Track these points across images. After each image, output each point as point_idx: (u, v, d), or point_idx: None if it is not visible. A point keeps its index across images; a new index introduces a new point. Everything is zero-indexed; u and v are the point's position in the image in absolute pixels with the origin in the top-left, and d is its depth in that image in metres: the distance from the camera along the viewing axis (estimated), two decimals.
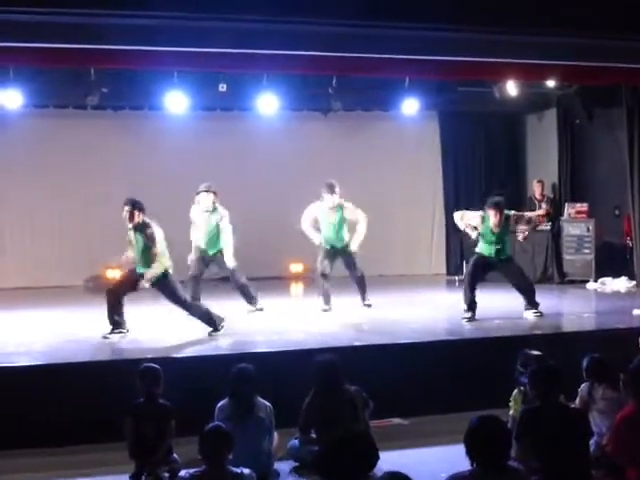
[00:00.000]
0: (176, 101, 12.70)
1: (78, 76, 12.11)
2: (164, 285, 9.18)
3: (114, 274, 13.63)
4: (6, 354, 8.25)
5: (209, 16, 8.60)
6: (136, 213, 9.19)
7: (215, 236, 10.81)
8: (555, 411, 5.65)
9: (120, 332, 9.23)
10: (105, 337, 9.11)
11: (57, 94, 13.14)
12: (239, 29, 8.95)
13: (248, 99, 13.19)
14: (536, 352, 6.96)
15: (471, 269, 10.67)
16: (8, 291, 13.82)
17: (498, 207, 10.34)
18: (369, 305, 11.27)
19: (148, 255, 9.13)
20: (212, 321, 9.26)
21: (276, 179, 14.86)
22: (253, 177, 14.76)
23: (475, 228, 10.50)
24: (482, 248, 10.55)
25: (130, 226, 9.25)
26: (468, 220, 10.56)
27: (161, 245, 9.13)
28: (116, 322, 9.25)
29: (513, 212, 10.72)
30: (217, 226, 10.79)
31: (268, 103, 12.99)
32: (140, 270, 9.22)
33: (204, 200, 10.81)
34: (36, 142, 14.25)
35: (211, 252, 10.88)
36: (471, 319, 10.12)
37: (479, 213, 10.55)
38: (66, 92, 12.93)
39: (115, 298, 9.32)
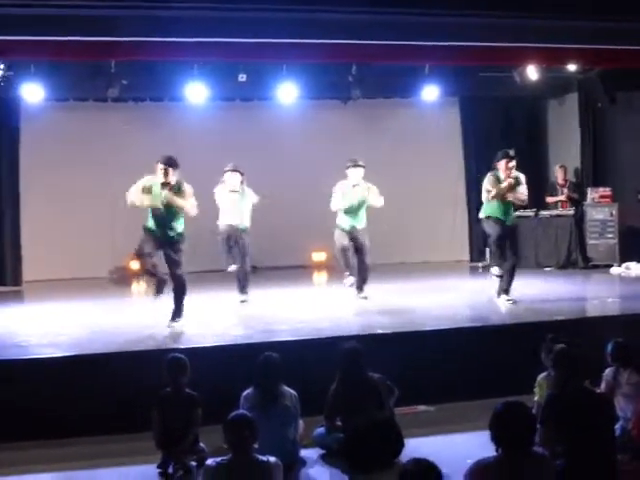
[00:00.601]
0: (196, 92, 12.75)
1: (98, 69, 12.18)
2: (179, 245, 9.19)
3: (138, 265, 13.70)
4: (33, 345, 8.34)
5: (228, 6, 8.63)
6: (171, 171, 9.19)
7: (243, 213, 10.77)
8: (580, 396, 5.63)
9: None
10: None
11: (78, 87, 13.21)
12: (258, 19, 8.96)
13: (268, 89, 13.22)
14: (561, 337, 6.95)
15: (496, 239, 10.30)
16: (34, 283, 13.95)
17: (509, 156, 10.25)
18: (365, 297, 10.93)
19: (177, 214, 9.14)
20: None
21: (296, 168, 14.86)
22: (273, 166, 14.76)
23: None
24: (494, 210, 10.28)
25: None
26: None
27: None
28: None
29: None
30: (244, 204, 10.76)
31: (288, 92, 13.02)
32: (175, 232, 9.19)
33: (231, 179, 10.79)
34: (57, 135, 14.33)
35: (241, 227, 10.79)
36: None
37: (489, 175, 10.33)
38: (87, 85, 12.98)
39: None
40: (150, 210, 9.19)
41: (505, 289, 10.25)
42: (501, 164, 10.29)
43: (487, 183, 10.30)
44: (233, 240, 10.78)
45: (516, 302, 10.12)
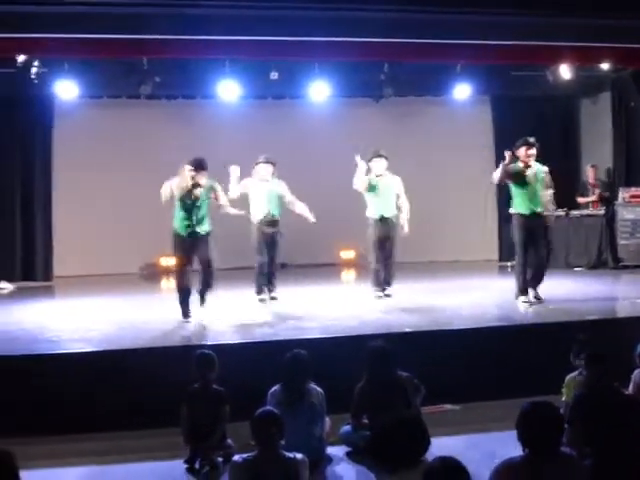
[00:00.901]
0: (228, 89, 12.80)
1: (131, 66, 12.27)
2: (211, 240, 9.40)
3: (168, 262, 13.81)
4: (64, 340, 8.42)
5: (260, 4, 8.67)
6: (202, 173, 9.35)
7: (274, 202, 10.79)
8: (609, 397, 5.61)
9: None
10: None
11: (111, 84, 13.30)
12: (290, 16, 8.99)
13: (300, 87, 13.25)
14: (592, 338, 6.93)
15: (521, 237, 10.16)
16: (64, 279, 14.08)
17: (529, 143, 10.08)
18: (389, 295, 10.92)
19: (207, 212, 9.38)
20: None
21: (328, 166, 14.87)
22: (305, 164, 14.79)
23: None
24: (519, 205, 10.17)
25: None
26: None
27: None
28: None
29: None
30: (276, 193, 10.79)
31: (319, 90, 13.03)
32: (205, 228, 9.36)
33: (263, 170, 10.79)
34: (90, 132, 14.44)
35: (275, 213, 10.81)
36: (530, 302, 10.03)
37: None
38: (120, 82, 13.08)
39: None
40: (181, 211, 9.30)
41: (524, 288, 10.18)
42: (520, 151, 10.15)
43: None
44: (267, 234, 10.79)
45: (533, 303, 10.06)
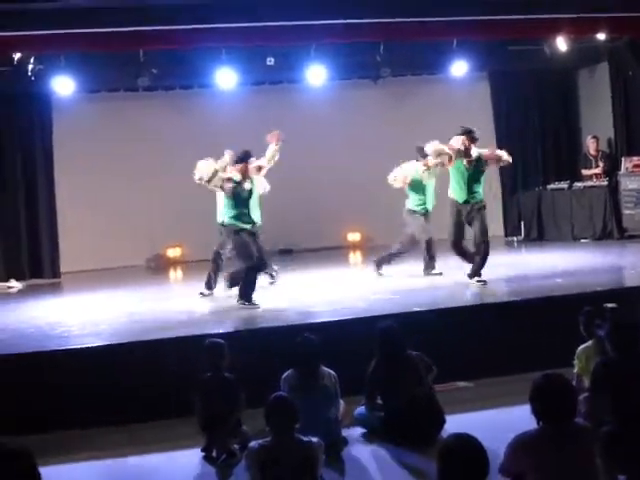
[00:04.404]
0: (225, 77, 12.76)
1: (128, 59, 12.24)
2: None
3: (175, 253, 13.85)
4: (74, 336, 8.46)
5: None
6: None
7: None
8: (632, 365, 5.62)
9: None
10: None
11: (108, 78, 13.27)
12: (284, 1, 8.99)
13: (296, 71, 13.21)
14: (611, 305, 6.94)
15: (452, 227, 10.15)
16: (72, 275, 14.10)
17: (469, 134, 10.00)
18: (440, 273, 11.03)
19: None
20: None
21: (329, 149, 14.88)
22: (306, 148, 14.78)
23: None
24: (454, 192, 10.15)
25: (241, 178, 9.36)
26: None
27: None
28: None
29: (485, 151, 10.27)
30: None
31: (317, 74, 12.99)
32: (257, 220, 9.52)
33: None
34: (90, 126, 14.42)
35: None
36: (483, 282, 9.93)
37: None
38: (117, 75, 13.05)
39: None
40: (238, 206, 9.35)
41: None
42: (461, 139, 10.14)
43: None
44: None
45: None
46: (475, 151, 10.05)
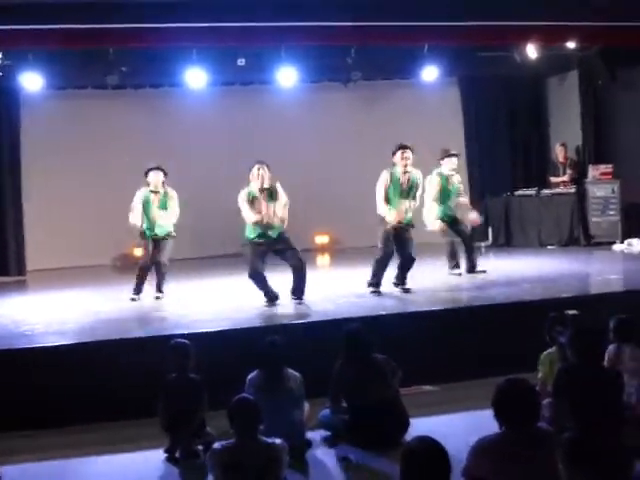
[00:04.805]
0: (195, 77, 12.71)
1: (97, 56, 12.14)
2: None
3: (141, 252, 13.74)
4: (39, 334, 8.38)
5: None
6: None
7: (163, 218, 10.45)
8: (593, 371, 5.66)
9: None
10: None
11: (77, 75, 13.17)
12: (256, 2, 8.97)
13: (267, 72, 13.19)
14: (572, 312, 6.98)
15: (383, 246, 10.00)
16: (38, 272, 13.98)
17: (405, 148, 9.84)
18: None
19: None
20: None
21: (298, 151, 14.88)
22: (275, 150, 14.75)
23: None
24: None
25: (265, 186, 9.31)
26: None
27: None
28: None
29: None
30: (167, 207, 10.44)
31: (287, 76, 12.98)
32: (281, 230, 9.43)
33: (153, 178, 10.38)
34: (58, 123, 14.33)
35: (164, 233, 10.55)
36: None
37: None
38: (85, 72, 12.97)
39: None
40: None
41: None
42: (396, 156, 9.89)
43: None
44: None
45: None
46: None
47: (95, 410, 7.26)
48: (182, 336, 7.23)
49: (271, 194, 9.34)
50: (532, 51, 12.97)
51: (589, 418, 5.42)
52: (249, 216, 9.23)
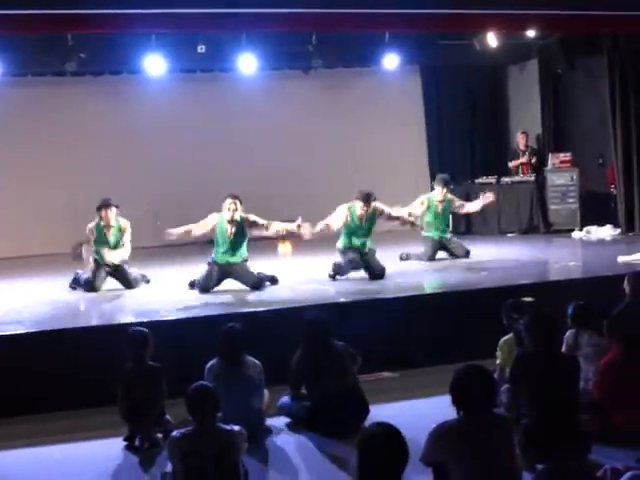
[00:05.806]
0: (155, 64, 12.57)
1: (55, 43, 11.99)
2: None
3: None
4: None
5: None
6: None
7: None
8: (549, 357, 5.71)
9: None
10: None
11: (35, 62, 12.97)
12: None
13: (228, 60, 13.11)
14: (529, 299, 7.04)
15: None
16: None
17: (367, 198, 10.35)
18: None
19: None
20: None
21: (258, 139, 14.83)
22: (236, 137, 14.77)
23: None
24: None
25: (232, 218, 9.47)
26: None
27: None
28: None
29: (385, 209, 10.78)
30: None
31: (248, 63, 12.91)
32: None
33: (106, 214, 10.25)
34: (16, 111, 14.15)
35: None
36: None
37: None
38: (44, 59, 12.78)
39: None
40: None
41: None
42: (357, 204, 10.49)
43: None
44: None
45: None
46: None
47: (54, 398, 7.24)
48: (141, 324, 7.21)
49: (242, 230, 9.58)
50: (492, 39, 13.01)
51: (546, 404, 5.48)
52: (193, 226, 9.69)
